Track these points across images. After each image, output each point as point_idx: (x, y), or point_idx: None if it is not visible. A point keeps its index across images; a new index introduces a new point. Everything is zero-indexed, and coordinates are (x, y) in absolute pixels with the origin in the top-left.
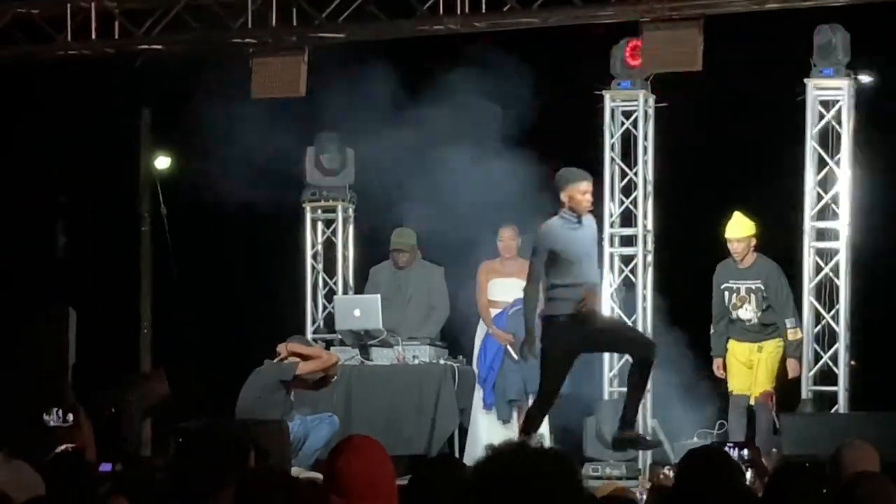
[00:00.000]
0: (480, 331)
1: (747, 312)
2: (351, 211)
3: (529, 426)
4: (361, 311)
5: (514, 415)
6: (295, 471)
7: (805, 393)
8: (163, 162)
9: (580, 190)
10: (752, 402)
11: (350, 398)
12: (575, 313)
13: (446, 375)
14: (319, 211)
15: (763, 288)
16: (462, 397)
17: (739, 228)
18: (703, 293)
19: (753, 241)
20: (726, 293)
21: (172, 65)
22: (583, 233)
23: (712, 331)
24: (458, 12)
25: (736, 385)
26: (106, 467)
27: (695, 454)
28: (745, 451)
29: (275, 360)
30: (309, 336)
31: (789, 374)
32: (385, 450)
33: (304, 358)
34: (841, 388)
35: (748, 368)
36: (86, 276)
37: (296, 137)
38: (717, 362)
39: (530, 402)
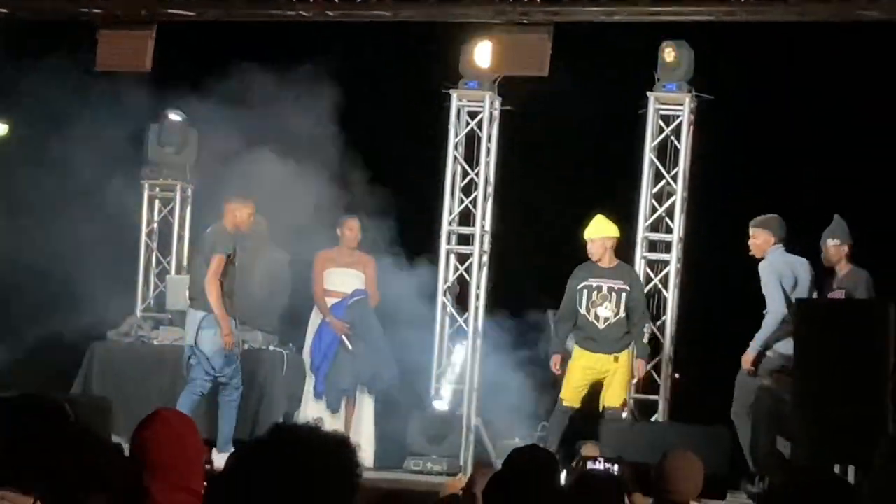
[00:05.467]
0: (314, 319)
1: (606, 311)
2: (190, 191)
3: None
4: None
5: (343, 404)
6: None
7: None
8: (1, 129)
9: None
10: (609, 411)
11: (178, 379)
12: None
13: (275, 362)
14: (158, 189)
15: (628, 290)
16: (290, 385)
17: (593, 229)
18: (536, 295)
19: (610, 243)
20: (584, 292)
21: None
22: None
23: (553, 329)
24: (311, 0)
25: (570, 397)
26: None
27: (519, 451)
28: (617, 467)
29: None
30: (138, 314)
31: (636, 374)
32: (193, 424)
33: None
34: (661, 399)
35: (596, 379)
36: None
37: (141, 113)
38: (554, 359)
39: (360, 392)
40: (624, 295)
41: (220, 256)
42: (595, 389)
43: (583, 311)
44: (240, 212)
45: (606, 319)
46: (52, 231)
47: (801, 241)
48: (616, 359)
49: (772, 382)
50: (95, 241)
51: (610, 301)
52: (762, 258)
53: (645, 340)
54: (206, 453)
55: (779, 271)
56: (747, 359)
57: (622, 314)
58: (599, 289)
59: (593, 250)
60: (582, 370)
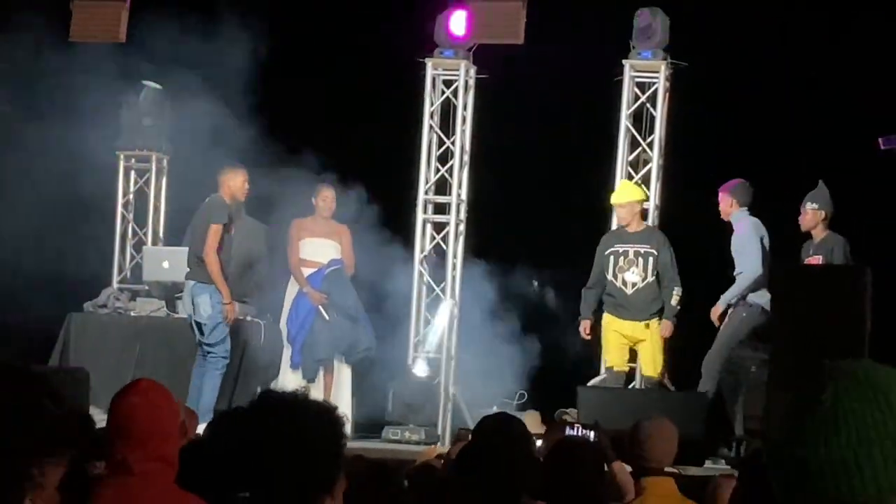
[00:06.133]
0: (291, 289)
1: (633, 276)
2: (165, 162)
3: None
4: (170, 262)
5: (321, 374)
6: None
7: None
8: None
9: None
10: (646, 380)
11: (155, 350)
12: None
13: (252, 332)
14: (133, 160)
15: (655, 254)
16: (268, 354)
17: (620, 194)
18: (513, 263)
19: (638, 208)
20: (611, 258)
21: None
22: None
23: (583, 294)
24: None
25: (615, 361)
26: None
27: (488, 419)
28: (593, 434)
29: None
30: (114, 285)
31: (662, 334)
32: (170, 394)
33: None
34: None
35: (630, 345)
36: None
37: (116, 84)
38: (584, 324)
39: (337, 362)
40: (651, 259)
41: (216, 226)
42: (633, 356)
43: (611, 276)
44: (233, 181)
45: (634, 284)
46: (28, 203)
47: (776, 206)
48: (647, 325)
49: (761, 349)
50: (72, 212)
51: (637, 266)
52: (729, 222)
53: (673, 302)
54: (190, 422)
55: (760, 233)
56: (716, 312)
57: (650, 278)
58: (626, 254)
59: (622, 214)
60: (615, 334)
